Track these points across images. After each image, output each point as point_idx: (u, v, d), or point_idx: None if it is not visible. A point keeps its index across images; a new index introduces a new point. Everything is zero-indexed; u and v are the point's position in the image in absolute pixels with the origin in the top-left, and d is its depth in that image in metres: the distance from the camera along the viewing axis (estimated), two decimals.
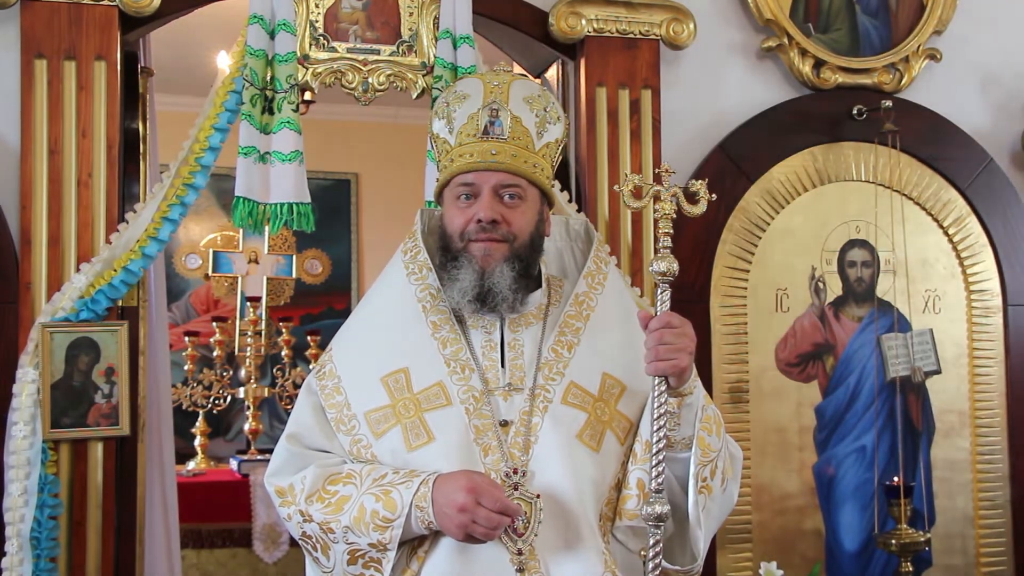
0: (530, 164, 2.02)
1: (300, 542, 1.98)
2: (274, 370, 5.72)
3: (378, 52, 2.94)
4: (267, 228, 2.83)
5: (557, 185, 2.95)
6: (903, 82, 3.44)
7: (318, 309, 6.43)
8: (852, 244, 3.40)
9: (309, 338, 5.70)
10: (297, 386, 5.33)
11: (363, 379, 2.02)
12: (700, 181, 1.96)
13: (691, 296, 3.17)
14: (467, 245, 2.00)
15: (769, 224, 3.31)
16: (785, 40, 3.34)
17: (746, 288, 3.28)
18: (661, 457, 1.86)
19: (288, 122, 2.76)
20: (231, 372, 5.54)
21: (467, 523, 1.79)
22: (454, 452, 1.89)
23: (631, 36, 3.13)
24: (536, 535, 1.86)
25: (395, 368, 2.00)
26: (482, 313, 2.02)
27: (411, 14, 2.96)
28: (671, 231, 1.91)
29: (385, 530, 1.85)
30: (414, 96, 2.96)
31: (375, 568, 1.89)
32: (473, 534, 1.80)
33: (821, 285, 3.37)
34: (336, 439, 2.02)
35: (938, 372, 3.44)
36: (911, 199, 3.43)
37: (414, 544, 1.91)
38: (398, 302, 2.08)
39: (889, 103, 3.28)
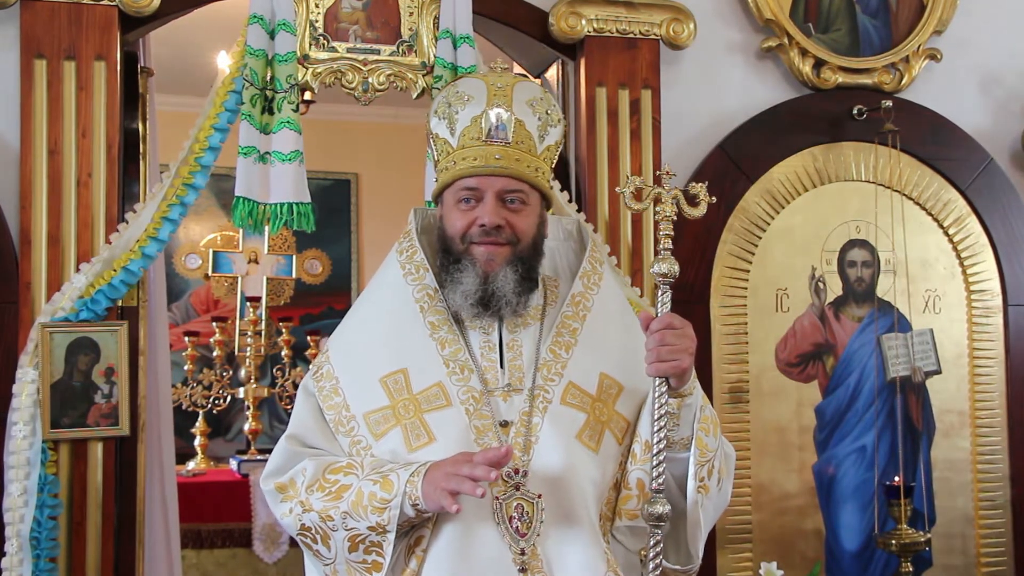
0: (532, 168, 2.02)
1: (299, 538, 1.96)
2: (274, 370, 5.72)
3: (378, 52, 2.94)
4: (267, 228, 2.83)
5: (557, 185, 2.96)
6: (903, 82, 3.44)
7: (318, 309, 6.42)
8: (852, 244, 3.40)
9: (309, 338, 5.70)
10: (297, 386, 5.33)
11: (362, 380, 2.01)
12: (700, 184, 1.97)
13: (691, 296, 3.17)
14: (468, 248, 1.99)
15: (769, 224, 3.31)
16: (785, 40, 3.34)
17: (746, 288, 3.28)
18: (662, 458, 1.86)
19: (288, 122, 2.76)
20: (231, 372, 5.54)
21: (451, 475, 1.78)
22: (455, 452, 1.89)
23: (631, 36, 3.13)
24: (538, 535, 1.86)
25: (394, 369, 1.99)
26: (482, 316, 2.02)
27: (411, 14, 2.96)
28: (672, 233, 1.92)
29: (383, 511, 1.84)
30: (414, 96, 2.96)
31: (376, 552, 1.88)
32: (459, 487, 1.77)
33: (821, 285, 3.37)
34: (336, 441, 2.02)
35: (938, 372, 3.44)
36: (911, 199, 3.43)
37: (411, 543, 1.91)
38: (395, 302, 2.08)
39: (889, 103, 3.28)
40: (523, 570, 1.84)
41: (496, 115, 1.99)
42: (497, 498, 1.87)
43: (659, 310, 1.89)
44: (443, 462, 1.84)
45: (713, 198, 1.98)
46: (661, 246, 1.91)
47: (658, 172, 1.97)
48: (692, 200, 1.96)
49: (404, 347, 2.02)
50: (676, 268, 1.89)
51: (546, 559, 1.86)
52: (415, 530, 1.91)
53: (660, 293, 1.90)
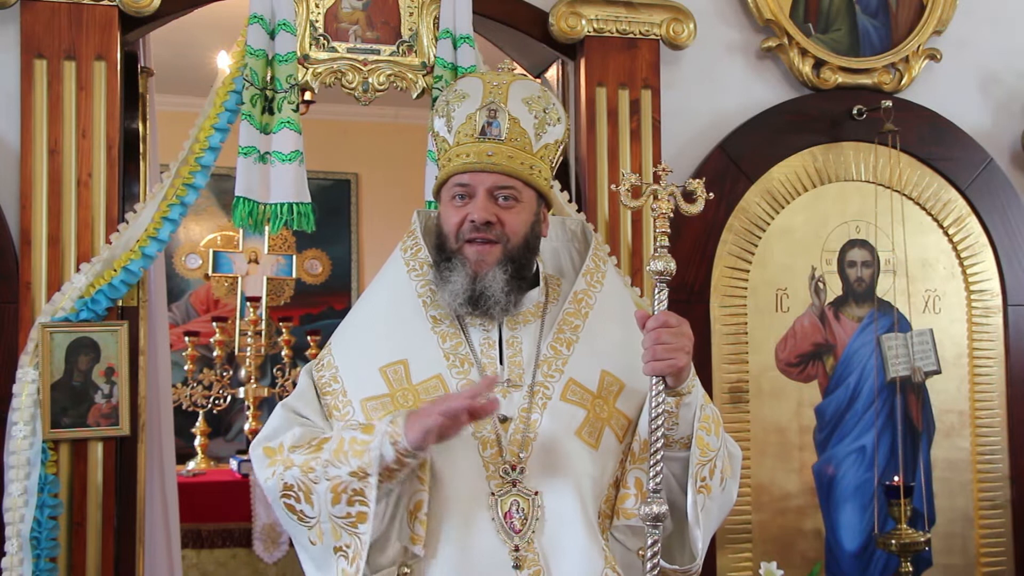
0: (527, 166, 2.02)
1: (282, 501, 1.91)
2: (274, 370, 5.72)
3: (378, 52, 2.94)
4: (267, 228, 2.83)
5: (557, 185, 2.96)
6: (903, 82, 3.44)
7: (318, 309, 6.43)
8: (852, 244, 3.40)
9: (309, 338, 5.71)
10: (296, 385, 5.33)
11: (362, 369, 2.03)
12: (698, 180, 1.97)
13: (691, 296, 3.17)
14: (461, 247, 2.00)
15: (769, 224, 3.31)
16: (785, 40, 3.34)
17: (746, 288, 3.28)
18: (659, 457, 1.86)
19: (288, 122, 2.76)
20: (231, 372, 5.54)
21: (436, 404, 1.81)
22: (453, 444, 1.89)
23: (631, 36, 3.13)
24: (534, 531, 1.87)
25: (394, 359, 2.00)
26: (473, 313, 2.02)
27: (411, 14, 2.96)
28: (668, 230, 1.92)
29: (363, 454, 1.82)
30: (414, 96, 2.96)
31: (360, 502, 1.84)
32: (446, 409, 1.79)
33: (821, 285, 3.37)
34: (329, 421, 2.02)
35: (938, 372, 3.44)
36: (911, 199, 3.42)
37: (411, 509, 1.90)
38: (398, 297, 2.09)
39: (889, 103, 3.28)
40: (518, 566, 1.85)
41: (490, 112, 2.00)
42: (493, 494, 1.88)
43: (655, 308, 1.89)
44: (427, 403, 1.86)
45: (711, 194, 1.98)
46: (658, 243, 1.91)
47: (655, 169, 1.97)
48: (689, 197, 1.96)
49: (405, 339, 2.03)
50: (673, 266, 1.89)
51: (543, 555, 1.87)
52: (413, 495, 1.88)
53: (657, 291, 1.90)
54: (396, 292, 2.11)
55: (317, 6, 2.90)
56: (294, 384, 5.40)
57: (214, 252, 5.87)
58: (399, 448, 1.80)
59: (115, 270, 2.70)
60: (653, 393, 1.87)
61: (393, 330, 2.06)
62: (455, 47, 2.89)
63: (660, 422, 1.86)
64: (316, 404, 2.05)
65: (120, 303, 2.77)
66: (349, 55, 2.92)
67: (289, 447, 1.93)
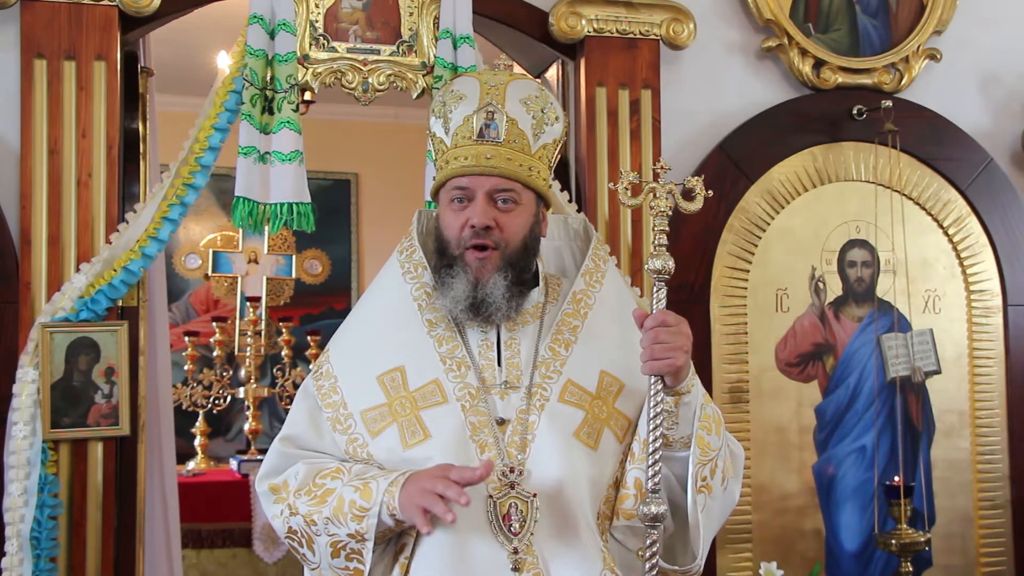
0: (525, 167, 2.02)
1: (286, 541, 1.97)
2: (274, 370, 5.72)
3: (378, 52, 2.94)
4: (267, 228, 2.83)
5: (557, 185, 2.96)
6: (903, 82, 3.44)
7: (318, 309, 6.43)
8: (852, 244, 3.40)
9: (309, 338, 5.71)
10: (296, 386, 5.34)
11: (359, 378, 2.02)
12: (696, 178, 1.96)
13: (691, 296, 3.17)
14: (463, 253, 1.99)
15: (769, 224, 3.31)
16: (785, 40, 3.34)
17: (746, 288, 3.28)
18: (657, 457, 1.86)
19: (288, 122, 2.76)
20: (231, 372, 5.54)
21: (424, 492, 1.78)
22: (450, 449, 1.90)
23: (631, 36, 3.13)
24: (532, 533, 1.87)
25: (391, 367, 2.00)
26: (477, 320, 2.02)
27: (411, 14, 2.96)
28: (667, 228, 1.92)
29: (362, 519, 1.85)
30: (414, 96, 2.96)
31: (357, 560, 1.89)
32: (430, 507, 1.78)
33: (821, 285, 3.37)
34: (327, 439, 2.02)
35: (938, 372, 3.44)
36: (911, 199, 3.42)
37: (396, 551, 1.92)
38: (394, 301, 2.09)
39: (889, 103, 3.28)
40: (516, 569, 1.84)
41: (487, 114, 1.99)
42: (491, 496, 1.88)
43: (654, 307, 1.89)
44: (421, 474, 1.84)
45: (710, 192, 1.98)
46: (656, 242, 1.90)
47: (654, 167, 1.96)
48: (688, 194, 1.95)
49: (402, 345, 2.02)
50: (671, 264, 1.89)
51: (541, 557, 1.87)
52: (400, 537, 1.92)
53: (655, 290, 1.89)
54: (391, 296, 2.10)
55: (317, 6, 2.90)
56: (295, 385, 5.46)
57: (214, 252, 5.87)
58: (397, 518, 1.84)
59: (115, 270, 2.70)
60: (652, 392, 1.87)
61: (389, 335, 2.06)
62: (455, 47, 2.89)
63: (659, 422, 1.86)
64: (315, 427, 2.04)
65: (120, 303, 2.77)
66: (349, 55, 2.92)
67: (295, 490, 1.95)
